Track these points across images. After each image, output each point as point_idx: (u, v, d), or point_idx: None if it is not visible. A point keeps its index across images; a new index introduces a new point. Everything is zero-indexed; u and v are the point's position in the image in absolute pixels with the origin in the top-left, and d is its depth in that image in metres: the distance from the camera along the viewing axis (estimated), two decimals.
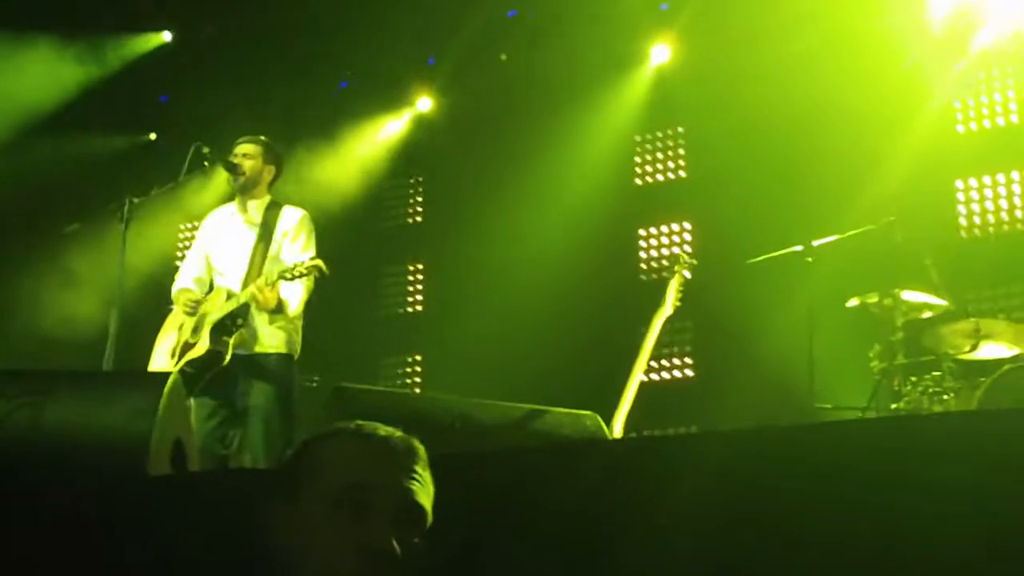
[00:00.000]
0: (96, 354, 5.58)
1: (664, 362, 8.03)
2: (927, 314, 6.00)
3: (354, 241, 8.30)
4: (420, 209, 9.44)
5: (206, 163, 5.71)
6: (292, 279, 5.20)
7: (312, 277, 5.31)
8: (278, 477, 1.93)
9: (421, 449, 1.93)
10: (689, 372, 8.02)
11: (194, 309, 5.56)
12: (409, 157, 9.25)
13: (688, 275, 5.45)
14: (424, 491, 1.89)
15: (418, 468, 1.90)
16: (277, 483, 1.91)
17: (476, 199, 8.60)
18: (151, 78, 9.14)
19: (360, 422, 1.92)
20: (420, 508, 1.87)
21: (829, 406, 6.15)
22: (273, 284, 5.25)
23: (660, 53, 8.29)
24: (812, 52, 7.31)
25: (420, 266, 9.31)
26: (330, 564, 1.80)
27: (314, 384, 6.54)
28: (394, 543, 1.80)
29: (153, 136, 9.44)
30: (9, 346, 7.64)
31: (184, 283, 5.78)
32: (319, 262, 5.18)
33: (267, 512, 1.87)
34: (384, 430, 1.92)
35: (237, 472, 4.21)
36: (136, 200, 5.56)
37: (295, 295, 5.40)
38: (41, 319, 7.85)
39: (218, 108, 8.51)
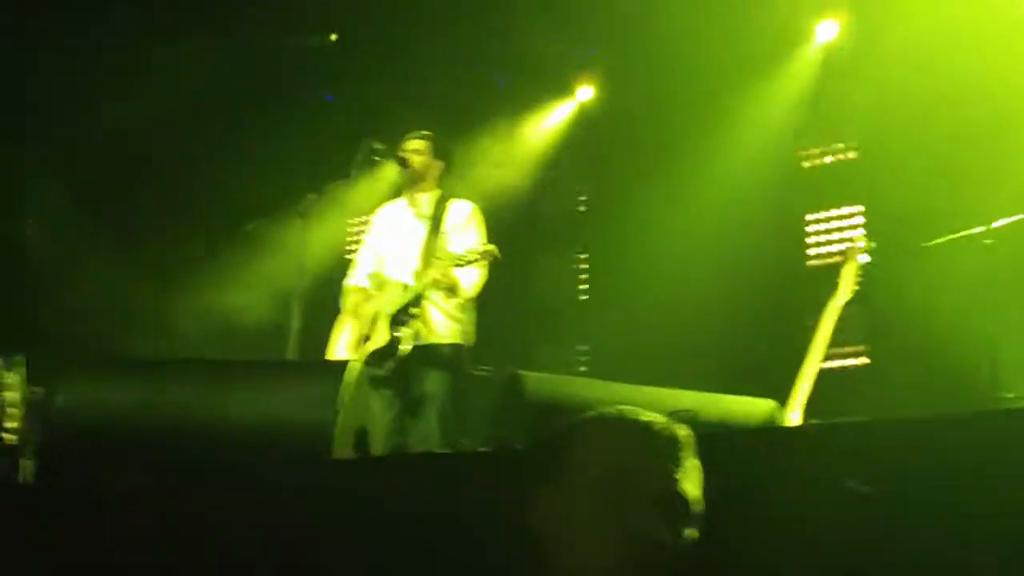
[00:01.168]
0: (276, 349, 5.77)
1: (836, 349, 7.83)
2: None
3: (519, 231, 8.34)
4: (584, 198, 9.45)
5: (376, 159, 5.86)
6: (464, 265, 5.32)
7: (486, 263, 5.41)
8: (537, 460, 1.91)
9: (684, 436, 1.88)
10: (863, 359, 7.82)
11: (368, 312, 5.71)
12: (572, 146, 9.25)
13: (867, 259, 5.32)
14: (688, 479, 1.84)
15: (681, 455, 1.85)
16: (537, 466, 1.89)
17: (640, 187, 8.54)
18: (318, 78, 9.39)
19: (622, 407, 1.90)
20: (683, 496, 1.82)
21: (1013, 395, 5.90)
22: (447, 270, 5.37)
23: (827, 30, 8.08)
24: (992, 22, 7.01)
25: (585, 255, 9.31)
26: (591, 552, 1.78)
27: (485, 373, 6.61)
28: (662, 530, 1.77)
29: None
30: (193, 341, 7.94)
31: (356, 280, 5.95)
32: (492, 247, 5.30)
33: (527, 496, 1.86)
34: (646, 415, 1.89)
35: (417, 456, 4.29)
36: (313, 196, 5.73)
37: (469, 278, 5.50)
38: (223, 315, 8.14)
39: (382, 105, 8.70)
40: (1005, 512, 2.25)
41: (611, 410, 1.90)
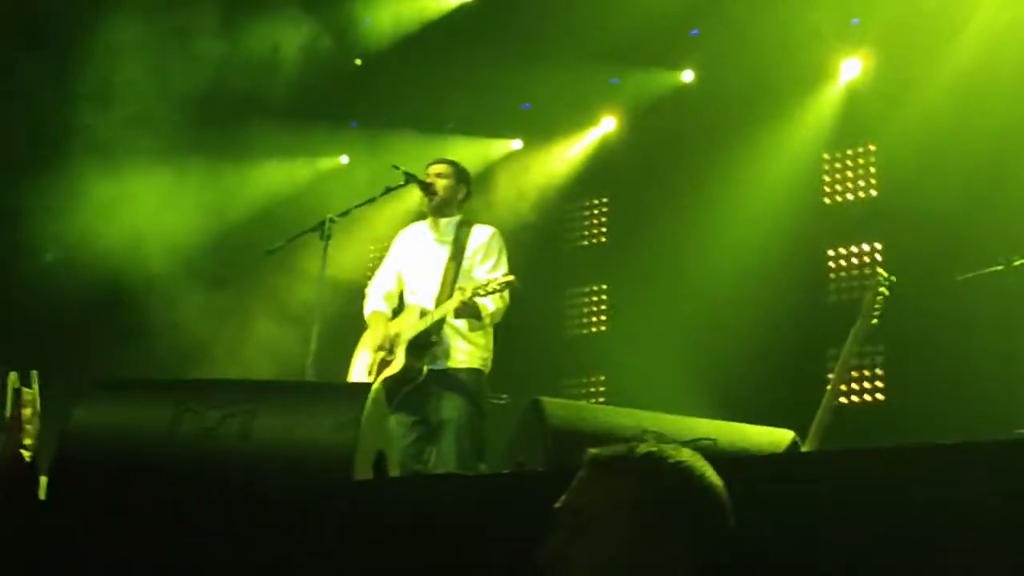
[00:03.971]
0: (296, 369, 5.79)
1: (855, 385, 7.81)
2: None
3: (539, 261, 8.38)
4: (605, 229, 9.47)
5: (402, 183, 5.92)
6: (486, 295, 5.35)
7: (507, 291, 5.44)
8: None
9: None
10: (880, 396, 7.79)
11: (387, 337, 5.72)
12: (594, 177, 9.29)
13: (887, 292, 5.32)
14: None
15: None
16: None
17: (661, 219, 8.57)
18: (342, 103, 9.48)
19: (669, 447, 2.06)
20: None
21: None
22: (468, 299, 5.40)
23: (851, 68, 8.12)
24: (1011, 63, 7.03)
25: (605, 286, 9.32)
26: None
27: (503, 401, 6.63)
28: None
29: (345, 159, 9.78)
30: (216, 361, 7.99)
31: (375, 304, 5.99)
32: (512, 277, 5.33)
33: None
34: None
35: (437, 478, 4.29)
36: (336, 218, 5.79)
37: (492, 306, 5.53)
38: (245, 334, 8.20)
39: (403, 129, 8.79)
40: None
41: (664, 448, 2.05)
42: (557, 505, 2.03)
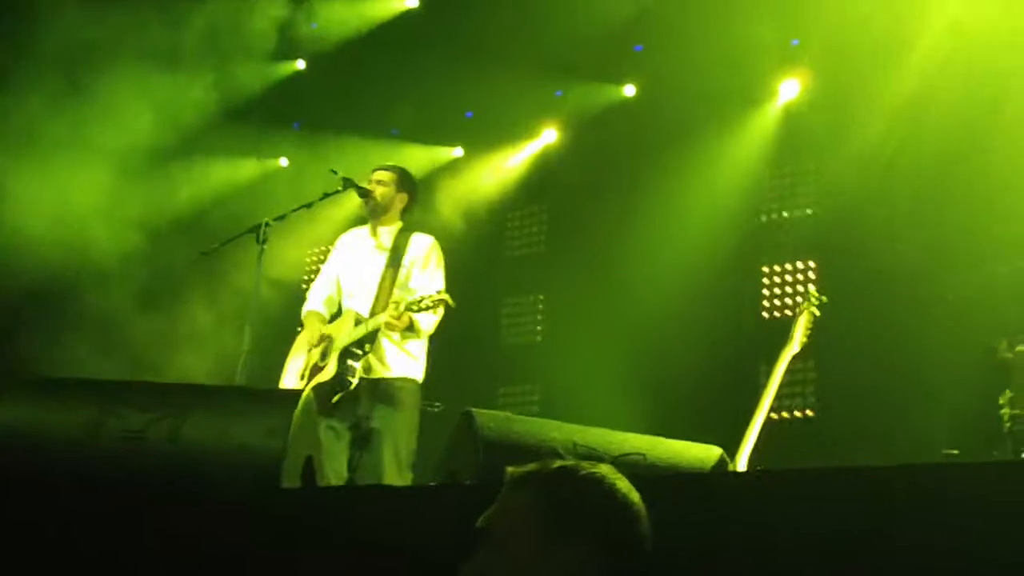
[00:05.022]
0: (230, 370, 5.74)
1: (786, 401, 7.90)
2: None
3: (477, 269, 8.39)
4: (543, 239, 9.50)
5: (339, 188, 5.89)
6: (419, 311, 5.33)
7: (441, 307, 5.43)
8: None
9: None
10: (809, 411, 7.89)
11: (321, 341, 5.70)
12: (534, 187, 9.32)
13: (817, 313, 5.38)
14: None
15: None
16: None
17: (599, 231, 8.62)
18: (284, 105, 9.43)
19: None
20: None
21: (956, 452, 5.99)
22: (401, 314, 5.38)
23: (789, 88, 8.23)
24: (951, 87, 7.15)
25: (541, 296, 9.35)
26: None
27: (436, 409, 6.62)
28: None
29: (284, 161, 9.73)
30: (148, 362, 7.90)
31: (314, 305, 5.96)
32: (445, 296, 5.32)
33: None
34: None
35: (365, 489, 4.28)
36: (272, 222, 5.75)
37: (427, 320, 5.52)
38: (178, 336, 8.12)
39: (345, 134, 8.76)
40: (946, 561, 2.30)
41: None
42: (478, 525, 2.04)
